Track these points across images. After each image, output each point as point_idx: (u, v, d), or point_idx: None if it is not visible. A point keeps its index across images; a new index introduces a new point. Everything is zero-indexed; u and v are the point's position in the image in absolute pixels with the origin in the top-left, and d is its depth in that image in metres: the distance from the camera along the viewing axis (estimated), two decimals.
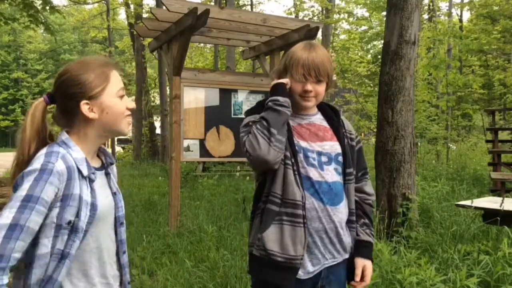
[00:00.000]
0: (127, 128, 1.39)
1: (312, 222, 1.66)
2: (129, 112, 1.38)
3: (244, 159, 6.77)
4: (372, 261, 1.83)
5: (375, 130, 5.81)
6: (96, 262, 1.34)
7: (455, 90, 13.58)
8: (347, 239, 1.75)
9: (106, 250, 1.37)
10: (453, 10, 22.43)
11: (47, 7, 8.47)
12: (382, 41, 5.21)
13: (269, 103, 1.70)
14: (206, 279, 3.64)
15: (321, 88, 1.74)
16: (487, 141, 9.70)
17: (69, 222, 1.24)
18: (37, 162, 1.23)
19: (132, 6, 17.65)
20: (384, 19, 5.70)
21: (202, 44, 20.39)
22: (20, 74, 40.03)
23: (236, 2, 16.89)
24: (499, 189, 7.19)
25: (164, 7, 4.98)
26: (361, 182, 1.86)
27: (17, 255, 1.16)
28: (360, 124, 13.67)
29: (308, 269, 1.68)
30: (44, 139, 1.33)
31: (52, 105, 1.37)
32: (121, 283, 1.44)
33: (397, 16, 4.76)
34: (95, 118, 1.32)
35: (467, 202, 4.15)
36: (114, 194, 1.42)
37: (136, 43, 17.21)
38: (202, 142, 5.63)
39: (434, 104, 13.61)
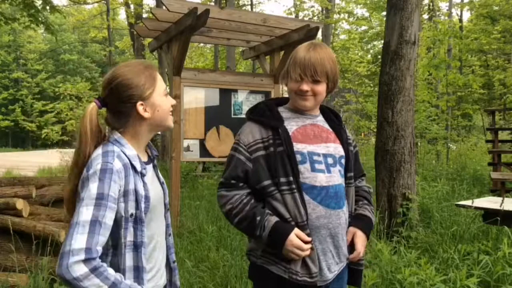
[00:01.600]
0: (172, 123, 1.55)
1: (321, 230, 1.68)
2: (172, 109, 1.53)
3: None
4: (368, 235, 1.81)
5: (375, 130, 5.81)
6: (150, 248, 1.48)
7: (455, 90, 13.58)
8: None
9: (158, 236, 1.51)
10: (453, 10, 22.42)
11: (47, 7, 8.46)
12: (382, 41, 5.21)
13: (270, 240, 1.66)
14: (206, 279, 3.64)
15: (320, 88, 1.72)
16: (487, 141, 9.71)
17: (131, 215, 1.38)
18: (96, 163, 1.34)
19: (132, 6, 17.65)
20: (384, 19, 5.69)
21: (202, 44, 20.38)
22: (20, 74, 39.96)
23: (236, 2, 16.88)
24: (499, 189, 7.19)
25: (164, 7, 4.97)
26: (359, 182, 1.93)
27: (99, 248, 1.28)
28: (360, 124, 13.67)
29: (327, 276, 1.71)
30: (101, 140, 1.45)
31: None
32: (167, 263, 1.60)
33: (397, 16, 4.76)
34: (149, 117, 1.46)
35: (467, 202, 4.15)
36: (162, 183, 1.57)
37: (136, 43, 17.20)
38: (202, 142, 5.62)
39: (434, 104, 13.60)
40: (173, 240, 1.64)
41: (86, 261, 1.23)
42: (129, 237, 1.38)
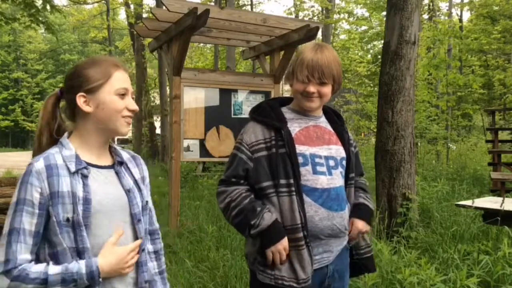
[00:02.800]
0: (124, 127, 1.39)
1: (325, 232, 1.69)
2: (128, 113, 1.39)
3: None
4: (369, 223, 1.84)
5: (375, 130, 5.81)
6: None
7: (455, 90, 13.57)
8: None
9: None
10: (453, 10, 22.42)
11: (48, 6, 8.44)
12: (382, 41, 5.21)
13: (267, 231, 1.64)
14: (206, 279, 3.64)
15: (326, 89, 1.73)
16: (487, 141, 9.70)
17: (67, 219, 1.27)
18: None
19: (132, 6, 17.65)
20: (384, 19, 5.69)
21: (202, 44, 20.38)
22: (20, 74, 39.98)
23: (236, 2, 16.88)
24: (499, 189, 7.18)
25: (164, 7, 4.97)
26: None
27: (23, 256, 1.24)
28: (360, 124, 13.67)
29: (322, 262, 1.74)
30: (52, 132, 1.38)
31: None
32: (136, 282, 1.41)
33: (397, 16, 4.76)
34: (90, 112, 1.35)
35: (467, 202, 4.15)
36: (127, 191, 1.41)
37: (136, 43, 17.20)
38: (202, 142, 5.62)
39: (434, 104, 13.60)
40: (146, 257, 1.45)
41: (6, 272, 1.22)
42: (69, 243, 1.27)
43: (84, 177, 1.33)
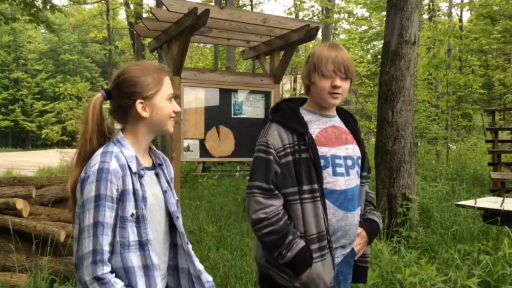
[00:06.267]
0: (171, 128, 1.56)
1: (338, 232, 1.71)
2: (174, 115, 1.54)
3: (244, 159, 6.77)
4: (371, 237, 1.87)
5: (375, 130, 5.81)
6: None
7: (455, 90, 13.57)
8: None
9: (155, 241, 1.49)
10: (453, 10, 22.41)
11: (48, 6, 8.43)
12: (382, 41, 5.21)
13: (293, 262, 1.64)
14: None
15: (347, 85, 1.75)
16: (487, 141, 9.70)
17: (132, 214, 1.41)
18: (94, 164, 1.39)
19: (132, 6, 17.64)
20: (384, 19, 5.69)
21: (202, 44, 20.38)
22: (20, 74, 39.88)
23: (236, 2, 16.88)
24: (499, 189, 7.18)
25: (164, 7, 4.97)
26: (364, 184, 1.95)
27: (106, 248, 1.35)
28: (360, 124, 13.65)
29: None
30: (103, 131, 1.48)
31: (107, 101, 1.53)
32: (190, 271, 1.66)
33: (397, 16, 4.76)
34: (146, 117, 1.48)
35: (467, 202, 4.15)
36: (164, 192, 1.56)
37: (136, 43, 17.18)
38: (202, 142, 5.62)
39: (434, 104, 13.60)
40: (190, 247, 1.69)
41: (94, 263, 1.32)
42: (132, 237, 1.40)
43: (141, 177, 1.47)
